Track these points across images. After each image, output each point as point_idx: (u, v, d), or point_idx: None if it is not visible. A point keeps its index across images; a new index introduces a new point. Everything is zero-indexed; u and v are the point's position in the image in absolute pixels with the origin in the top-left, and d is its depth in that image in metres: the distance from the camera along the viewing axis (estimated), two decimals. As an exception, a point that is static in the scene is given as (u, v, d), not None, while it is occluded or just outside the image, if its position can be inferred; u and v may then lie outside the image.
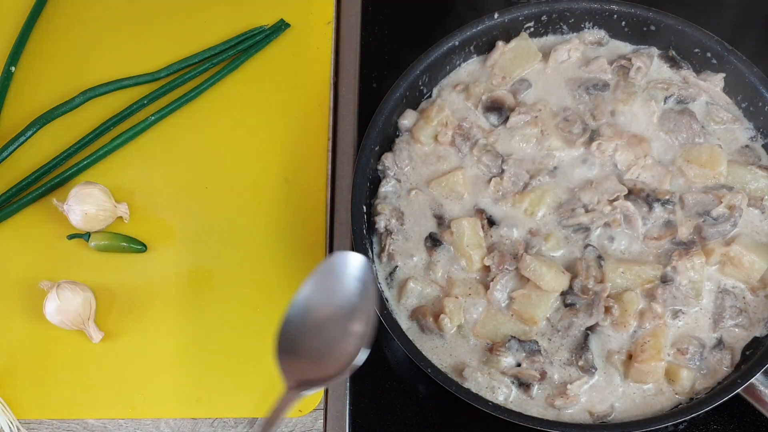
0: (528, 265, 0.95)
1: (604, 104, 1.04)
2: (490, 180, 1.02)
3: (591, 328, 0.95)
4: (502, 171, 1.02)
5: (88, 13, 1.24)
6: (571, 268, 0.97)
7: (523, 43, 1.07)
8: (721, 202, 0.98)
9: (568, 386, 0.93)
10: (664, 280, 0.96)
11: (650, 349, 0.93)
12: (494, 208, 1.01)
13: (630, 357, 0.94)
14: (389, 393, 1.03)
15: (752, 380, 0.90)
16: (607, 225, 0.99)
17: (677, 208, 0.99)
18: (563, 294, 0.96)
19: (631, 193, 0.99)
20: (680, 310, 0.95)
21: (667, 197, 0.99)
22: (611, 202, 0.99)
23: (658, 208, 0.99)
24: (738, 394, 0.90)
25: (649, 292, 0.96)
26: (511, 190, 1.01)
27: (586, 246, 0.98)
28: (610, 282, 0.96)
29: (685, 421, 0.98)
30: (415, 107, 1.08)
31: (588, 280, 0.95)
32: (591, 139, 1.02)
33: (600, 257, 0.97)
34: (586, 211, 0.99)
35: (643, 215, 0.98)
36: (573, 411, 0.94)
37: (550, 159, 1.03)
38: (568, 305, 0.96)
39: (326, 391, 1.04)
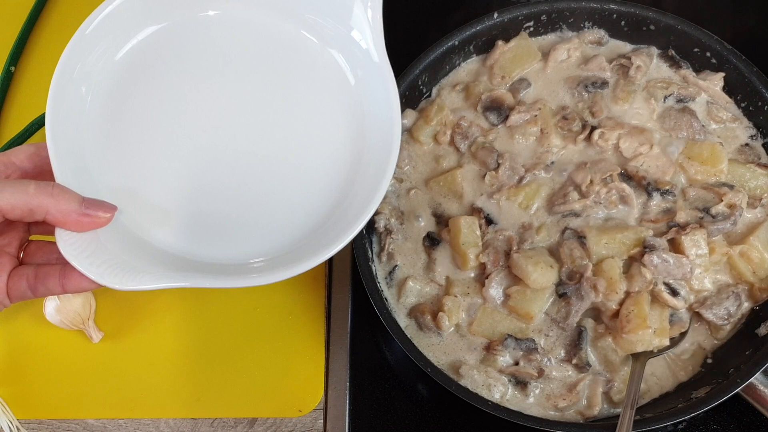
0: (516, 263, 0.95)
1: (603, 101, 1.04)
2: (485, 175, 1.01)
3: (585, 323, 0.95)
4: (498, 165, 1.01)
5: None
6: (558, 257, 0.96)
7: (522, 42, 1.07)
8: (722, 200, 0.97)
9: (577, 387, 0.93)
10: (648, 245, 0.94)
11: (636, 318, 0.92)
12: (489, 201, 1.01)
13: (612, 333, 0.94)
14: (389, 393, 1.03)
15: (752, 380, 0.90)
16: (601, 205, 0.98)
17: (678, 197, 0.98)
18: (557, 285, 0.96)
19: (632, 180, 0.99)
20: (671, 283, 0.94)
21: (667, 187, 0.98)
22: (605, 183, 0.98)
23: (657, 197, 0.98)
24: (738, 394, 0.90)
25: (638, 257, 0.94)
26: (507, 184, 1.01)
27: (564, 230, 0.97)
28: (596, 255, 0.94)
29: (684, 420, 0.98)
30: (414, 107, 1.08)
31: (573, 263, 0.95)
32: (591, 136, 1.02)
33: (581, 237, 0.96)
34: (580, 192, 0.98)
35: (642, 203, 0.98)
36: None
37: (549, 155, 1.02)
38: (561, 295, 0.95)
39: (326, 391, 1.04)
